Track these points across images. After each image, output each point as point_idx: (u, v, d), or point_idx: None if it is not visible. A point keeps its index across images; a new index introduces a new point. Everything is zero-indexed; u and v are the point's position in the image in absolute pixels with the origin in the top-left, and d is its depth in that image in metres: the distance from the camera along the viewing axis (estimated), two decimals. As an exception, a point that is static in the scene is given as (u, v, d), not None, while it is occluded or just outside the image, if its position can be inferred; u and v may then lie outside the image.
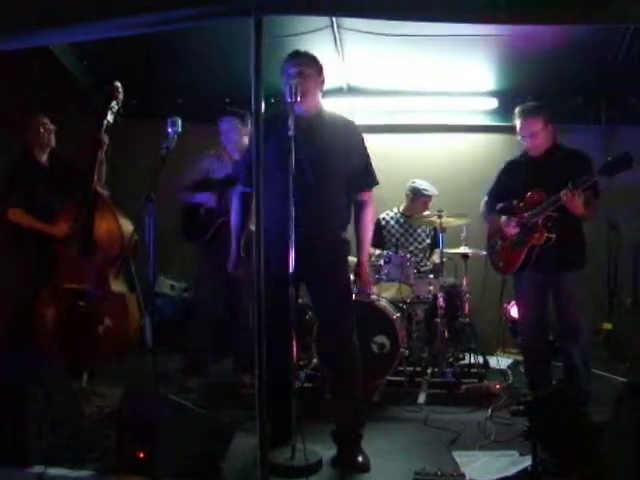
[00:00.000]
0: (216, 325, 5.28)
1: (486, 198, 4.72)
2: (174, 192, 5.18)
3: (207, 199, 5.12)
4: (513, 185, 4.48)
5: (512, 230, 4.42)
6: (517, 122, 4.39)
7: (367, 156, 3.83)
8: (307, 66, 3.66)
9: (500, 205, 4.56)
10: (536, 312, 4.44)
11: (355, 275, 4.04)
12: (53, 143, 4.98)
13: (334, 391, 3.91)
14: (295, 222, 3.31)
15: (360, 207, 3.88)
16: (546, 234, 4.20)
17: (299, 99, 3.43)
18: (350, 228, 3.89)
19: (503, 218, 4.51)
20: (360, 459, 3.63)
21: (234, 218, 4.02)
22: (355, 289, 4.37)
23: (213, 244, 5.09)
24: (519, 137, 4.41)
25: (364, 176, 3.82)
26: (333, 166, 3.68)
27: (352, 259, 4.18)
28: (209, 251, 5.16)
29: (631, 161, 3.84)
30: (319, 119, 3.73)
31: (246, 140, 5.13)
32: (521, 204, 4.38)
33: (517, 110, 4.41)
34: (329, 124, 3.74)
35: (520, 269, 4.38)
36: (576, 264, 4.32)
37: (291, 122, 3.36)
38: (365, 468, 3.59)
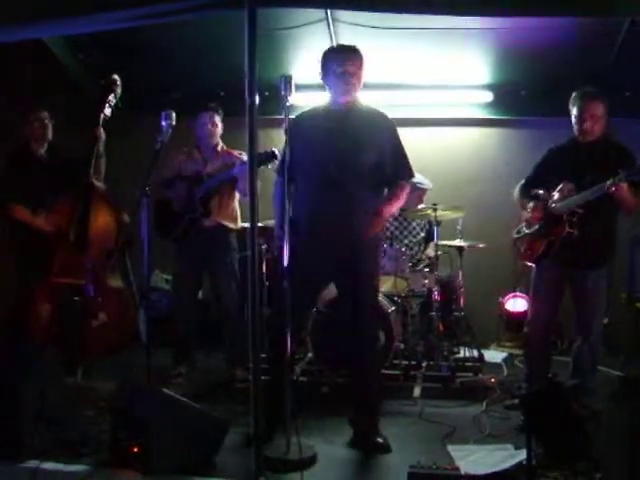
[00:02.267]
0: (196, 318, 5.35)
1: (523, 181, 4.57)
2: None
3: (176, 196, 5.13)
4: (553, 171, 4.35)
5: (537, 215, 4.35)
6: (578, 105, 4.21)
7: (402, 148, 3.91)
8: (360, 67, 3.77)
9: (535, 191, 4.41)
10: (549, 307, 4.36)
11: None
12: (50, 136, 4.98)
13: (357, 379, 3.98)
14: (328, 215, 3.48)
15: (396, 190, 3.94)
16: (567, 229, 4.09)
17: (350, 91, 3.66)
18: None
19: (531, 203, 4.42)
20: (380, 440, 3.76)
21: (277, 201, 4.00)
22: None
23: (188, 242, 5.12)
24: (574, 120, 4.23)
25: (399, 168, 3.89)
26: (367, 158, 3.75)
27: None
28: (184, 249, 5.19)
29: None
30: (355, 112, 3.80)
31: (218, 136, 5.24)
32: (553, 192, 4.26)
33: (578, 93, 4.25)
34: (363, 117, 3.82)
35: (540, 259, 4.32)
36: (601, 262, 4.25)
37: (284, 115, 3.42)
38: (386, 448, 3.72)
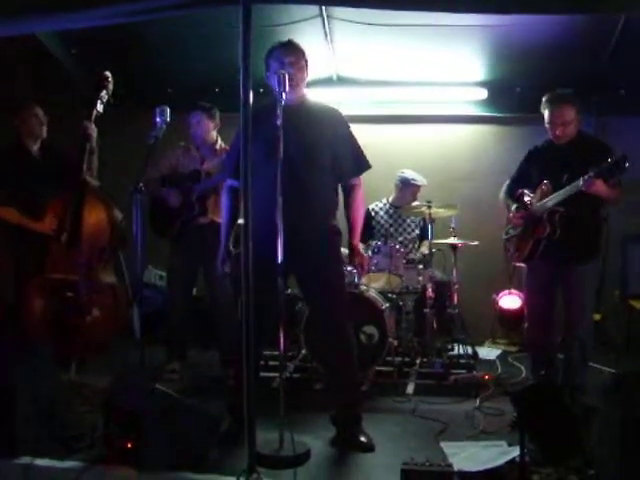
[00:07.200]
0: (189, 316, 5.36)
1: (508, 182, 4.67)
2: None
3: (171, 196, 5.12)
4: (533, 172, 4.46)
5: (518, 220, 4.47)
6: (549, 109, 4.25)
7: (354, 142, 3.87)
8: (300, 58, 3.70)
9: (520, 191, 4.50)
10: (543, 304, 4.41)
11: (350, 260, 4.08)
12: (44, 134, 4.96)
13: (331, 377, 3.98)
14: (284, 212, 3.32)
15: (350, 191, 3.92)
16: (549, 228, 4.17)
17: (290, 88, 3.45)
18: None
19: (513, 206, 4.52)
20: (363, 439, 3.72)
21: (223, 214, 3.98)
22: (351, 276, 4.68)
23: (182, 239, 5.13)
24: (546, 125, 4.29)
25: (352, 162, 3.85)
26: (320, 154, 3.72)
27: (344, 250, 4.20)
28: (179, 246, 5.20)
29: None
30: (304, 108, 3.76)
31: (214, 134, 5.21)
32: (533, 194, 4.37)
33: (548, 97, 4.27)
34: (314, 113, 3.78)
35: (528, 259, 4.39)
36: (587, 257, 4.26)
37: (280, 111, 3.35)
38: (369, 447, 3.68)
